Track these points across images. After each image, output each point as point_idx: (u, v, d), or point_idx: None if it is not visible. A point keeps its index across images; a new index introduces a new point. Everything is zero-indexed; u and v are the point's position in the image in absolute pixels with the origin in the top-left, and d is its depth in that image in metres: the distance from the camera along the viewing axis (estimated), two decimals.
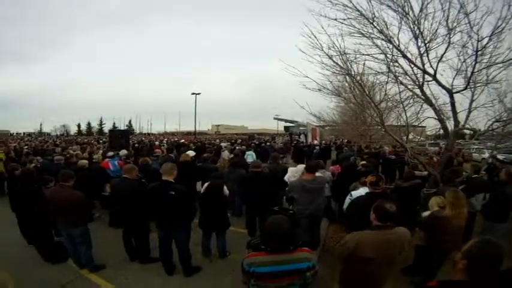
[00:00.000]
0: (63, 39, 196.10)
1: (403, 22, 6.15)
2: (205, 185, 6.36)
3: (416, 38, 6.18)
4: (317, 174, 6.55)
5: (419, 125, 8.10)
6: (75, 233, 5.65)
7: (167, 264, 5.77)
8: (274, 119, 44.48)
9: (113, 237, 6.78)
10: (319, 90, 8.19)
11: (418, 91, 6.87)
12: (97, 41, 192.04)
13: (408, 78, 6.85)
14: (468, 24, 5.64)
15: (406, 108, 7.35)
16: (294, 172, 7.58)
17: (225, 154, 15.38)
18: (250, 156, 14.74)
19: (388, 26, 6.32)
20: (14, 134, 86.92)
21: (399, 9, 6.06)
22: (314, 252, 3.27)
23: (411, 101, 7.38)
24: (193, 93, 53.36)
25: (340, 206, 7.98)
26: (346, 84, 9.29)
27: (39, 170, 8.97)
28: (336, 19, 6.47)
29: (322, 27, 6.67)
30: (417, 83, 6.72)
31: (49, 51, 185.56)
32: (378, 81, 8.52)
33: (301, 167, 7.48)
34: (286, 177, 7.40)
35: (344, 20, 6.48)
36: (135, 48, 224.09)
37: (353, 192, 5.64)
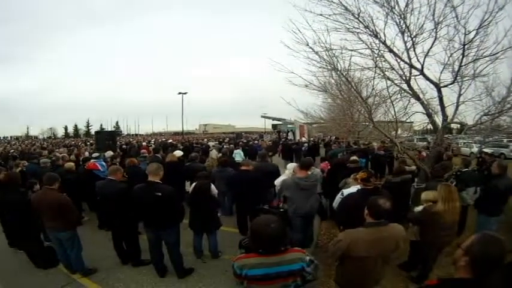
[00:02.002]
0: (47, 40, 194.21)
1: (389, 17, 6.13)
2: (193, 185, 6.31)
3: (402, 32, 6.17)
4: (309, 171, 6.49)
5: (408, 121, 8.10)
6: (63, 237, 5.57)
7: (159, 266, 5.73)
8: (262, 117, 44.63)
9: (104, 240, 6.78)
10: (306, 86, 8.21)
11: (405, 86, 6.88)
12: (81, 41, 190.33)
13: (395, 73, 6.84)
14: (455, 18, 5.65)
15: (394, 103, 7.33)
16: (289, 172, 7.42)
17: (213, 153, 15.28)
18: (238, 155, 14.81)
19: (374, 21, 6.30)
20: (1, 138, 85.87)
21: (385, 3, 6.04)
22: (307, 251, 3.18)
23: (399, 96, 7.36)
24: (179, 93, 53.70)
25: (331, 203, 8.01)
26: (333, 81, 9.39)
27: (26, 174, 8.87)
28: (321, 14, 6.45)
29: (308, 23, 6.64)
30: (404, 77, 6.72)
31: (33, 52, 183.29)
32: (364, 77, 8.58)
33: (293, 165, 7.38)
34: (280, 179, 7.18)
35: (329, 15, 6.46)
36: (119, 48, 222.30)
37: (344, 191, 5.55)
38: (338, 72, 7.56)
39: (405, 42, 6.26)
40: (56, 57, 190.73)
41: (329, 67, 7.53)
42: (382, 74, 6.98)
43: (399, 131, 8.57)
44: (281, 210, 6.01)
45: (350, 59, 7.29)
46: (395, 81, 6.99)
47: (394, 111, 7.35)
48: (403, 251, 5.24)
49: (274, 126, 47.11)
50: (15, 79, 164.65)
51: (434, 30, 5.92)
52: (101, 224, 8.04)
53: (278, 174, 7.73)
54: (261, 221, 2.78)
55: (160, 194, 5.18)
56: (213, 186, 6.34)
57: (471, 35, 5.67)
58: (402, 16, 6.00)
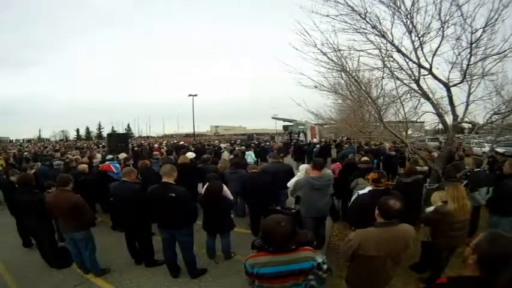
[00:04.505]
0: (58, 43, 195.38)
1: (395, 17, 6.10)
2: (205, 186, 6.34)
3: (409, 32, 6.14)
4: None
5: (418, 121, 8.06)
6: (78, 237, 5.68)
7: (172, 267, 5.79)
8: (273, 118, 44.38)
9: (117, 240, 6.87)
10: (315, 87, 8.13)
11: (414, 86, 6.83)
12: (92, 45, 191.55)
13: (404, 73, 6.79)
14: (461, 17, 5.60)
15: (403, 103, 7.30)
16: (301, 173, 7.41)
17: (225, 155, 15.43)
18: (250, 157, 14.88)
19: (381, 21, 6.28)
20: (14, 140, 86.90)
21: (391, 3, 6.02)
22: (318, 251, 3.22)
23: (408, 95, 7.32)
24: (190, 95, 54.03)
25: (343, 204, 8.01)
26: (342, 81, 9.29)
27: (39, 176, 9.05)
28: (327, 15, 6.43)
29: (315, 24, 6.63)
30: (413, 77, 6.67)
31: (44, 55, 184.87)
32: (374, 77, 8.56)
33: (305, 166, 7.41)
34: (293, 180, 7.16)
35: (336, 16, 6.43)
36: (130, 51, 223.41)
37: (360, 192, 5.50)
38: (347, 73, 7.54)
39: (413, 42, 6.22)
40: (66, 61, 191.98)
41: (338, 68, 7.51)
42: (391, 74, 6.93)
43: (410, 131, 8.54)
44: (293, 211, 6.04)
45: (358, 59, 7.31)
46: (405, 81, 6.93)
47: (404, 111, 7.33)
48: (415, 252, 5.24)
49: (285, 127, 46.84)
50: (27, 82, 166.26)
51: (441, 29, 5.87)
52: (114, 225, 8.16)
53: (292, 174, 7.74)
54: (272, 219, 2.83)
55: (174, 194, 5.26)
56: (225, 187, 6.36)
57: (478, 34, 5.63)
58: (409, 16, 5.97)
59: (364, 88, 7.98)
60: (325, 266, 2.96)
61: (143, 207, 5.72)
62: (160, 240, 5.78)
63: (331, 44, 6.92)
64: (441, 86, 6.52)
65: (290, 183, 6.83)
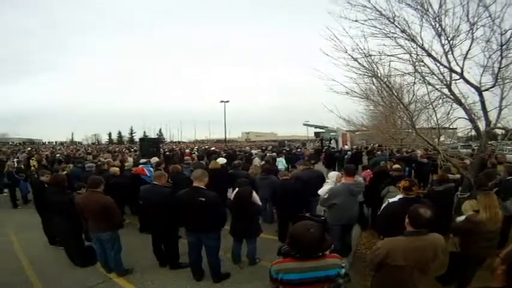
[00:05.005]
0: (92, 49, 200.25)
1: (423, 20, 5.98)
2: (234, 192, 6.39)
3: (439, 35, 5.99)
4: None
5: (450, 127, 7.87)
6: (104, 237, 5.82)
7: (196, 270, 5.83)
8: (304, 124, 44.26)
9: (143, 242, 6.98)
10: (347, 93, 8.06)
11: (446, 91, 6.63)
12: (126, 51, 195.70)
13: (435, 77, 6.62)
14: (489, 18, 5.45)
15: (435, 109, 7.14)
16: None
17: (256, 161, 15.44)
18: (281, 163, 14.89)
19: (410, 25, 6.16)
20: (47, 142, 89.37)
21: (418, 6, 5.90)
22: (344, 259, 3.19)
23: (440, 101, 7.13)
24: (222, 101, 54.94)
25: (373, 212, 7.89)
26: (374, 87, 9.20)
27: (71, 177, 9.45)
28: (356, 20, 6.39)
29: (344, 29, 6.59)
30: (444, 82, 6.48)
31: (78, 60, 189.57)
32: (405, 83, 8.41)
33: (335, 174, 7.33)
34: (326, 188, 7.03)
35: (365, 21, 6.38)
36: (162, 58, 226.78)
37: (390, 200, 5.46)
38: (378, 78, 7.45)
39: (443, 45, 6.06)
40: (100, 66, 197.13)
41: (369, 73, 7.42)
42: (422, 79, 6.80)
43: (442, 138, 8.35)
44: (322, 218, 5.99)
45: (389, 64, 7.21)
46: (436, 86, 6.76)
47: (436, 117, 7.16)
48: (443, 263, 5.08)
49: (316, 134, 46.62)
50: (61, 87, 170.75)
51: (471, 31, 5.69)
52: (142, 227, 8.30)
53: (324, 180, 7.64)
54: (301, 225, 2.85)
55: (204, 199, 5.32)
56: (254, 193, 6.40)
57: (508, 35, 5.44)
58: (437, 18, 5.84)
59: (395, 94, 7.86)
60: (343, 271, 2.92)
61: (172, 210, 5.78)
62: (186, 243, 5.84)
63: (362, 50, 6.86)
64: (473, 90, 6.30)
65: (322, 191, 6.74)
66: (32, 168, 15.71)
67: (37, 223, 7.77)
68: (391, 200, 5.41)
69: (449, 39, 5.92)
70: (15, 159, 19.21)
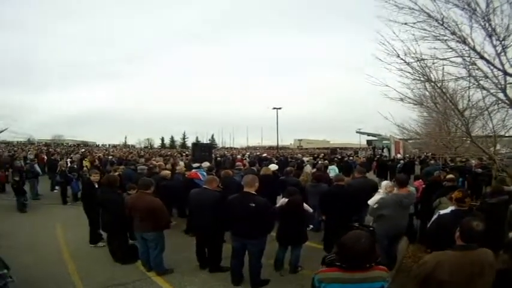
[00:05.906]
0: (147, 56, 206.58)
1: (473, 20, 5.74)
2: (286, 200, 6.32)
3: (489, 36, 5.70)
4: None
5: (506, 134, 7.48)
6: (149, 237, 6.01)
7: (236, 274, 5.83)
8: (357, 132, 43.88)
9: (186, 244, 7.18)
10: (401, 99, 7.90)
11: (501, 95, 6.29)
12: (179, 58, 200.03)
13: (490, 81, 6.31)
14: None
15: (491, 115, 6.80)
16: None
17: (308, 168, 15.41)
18: (333, 171, 14.69)
19: (459, 26, 5.95)
20: (100, 145, 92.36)
21: (465, 6, 5.66)
22: (390, 271, 3.05)
23: (496, 106, 6.80)
24: (274, 108, 55.39)
25: (422, 224, 7.56)
26: (427, 93, 9.00)
27: (122, 178, 9.76)
28: (405, 23, 6.29)
29: (394, 33, 6.52)
30: (499, 86, 6.15)
31: (133, 67, 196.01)
32: (459, 87, 8.04)
33: (387, 183, 7.17)
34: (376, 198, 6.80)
35: (414, 23, 6.25)
36: (215, 64, 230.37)
37: (441, 212, 5.23)
38: (432, 83, 7.27)
39: (495, 47, 5.75)
40: (154, 72, 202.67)
41: (422, 78, 7.26)
42: (476, 84, 6.51)
43: (498, 147, 7.96)
44: (371, 228, 5.81)
45: (443, 68, 6.99)
46: (491, 91, 6.45)
47: (492, 124, 6.83)
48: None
49: (369, 142, 46.18)
50: (116, 93, 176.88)
51: None
52: (188, 229, 8.43)
53: (377, 190, 7.41)
54: (352, 235, 2.75)
55: (254, 205, 5.34)
56: (304, 203, 6.39)
57: None
58: (486, 17, 5.57)
59: (450, 99, 7.61)
60: (386, 285, 2.80)
61: (221, 214, 5.85)
62: (229, 248, 5.90)
63: (414, 54, 6.73)
64: None
65: (371, 201, 6.60)
66: (85, 168, 16.62)
67: (83, 220, 8.09)
68: (442, 211, 5.18)
69: (500, 39, 5.63)
70: (68, 160, 19.95)
